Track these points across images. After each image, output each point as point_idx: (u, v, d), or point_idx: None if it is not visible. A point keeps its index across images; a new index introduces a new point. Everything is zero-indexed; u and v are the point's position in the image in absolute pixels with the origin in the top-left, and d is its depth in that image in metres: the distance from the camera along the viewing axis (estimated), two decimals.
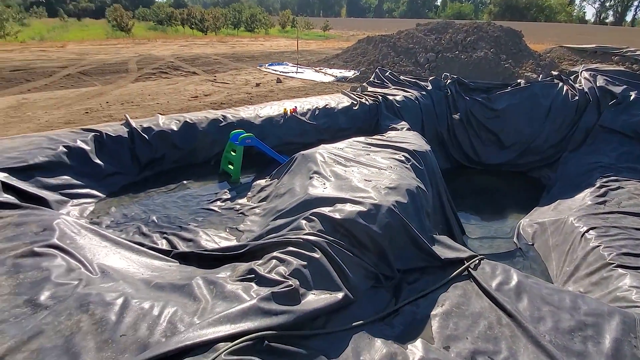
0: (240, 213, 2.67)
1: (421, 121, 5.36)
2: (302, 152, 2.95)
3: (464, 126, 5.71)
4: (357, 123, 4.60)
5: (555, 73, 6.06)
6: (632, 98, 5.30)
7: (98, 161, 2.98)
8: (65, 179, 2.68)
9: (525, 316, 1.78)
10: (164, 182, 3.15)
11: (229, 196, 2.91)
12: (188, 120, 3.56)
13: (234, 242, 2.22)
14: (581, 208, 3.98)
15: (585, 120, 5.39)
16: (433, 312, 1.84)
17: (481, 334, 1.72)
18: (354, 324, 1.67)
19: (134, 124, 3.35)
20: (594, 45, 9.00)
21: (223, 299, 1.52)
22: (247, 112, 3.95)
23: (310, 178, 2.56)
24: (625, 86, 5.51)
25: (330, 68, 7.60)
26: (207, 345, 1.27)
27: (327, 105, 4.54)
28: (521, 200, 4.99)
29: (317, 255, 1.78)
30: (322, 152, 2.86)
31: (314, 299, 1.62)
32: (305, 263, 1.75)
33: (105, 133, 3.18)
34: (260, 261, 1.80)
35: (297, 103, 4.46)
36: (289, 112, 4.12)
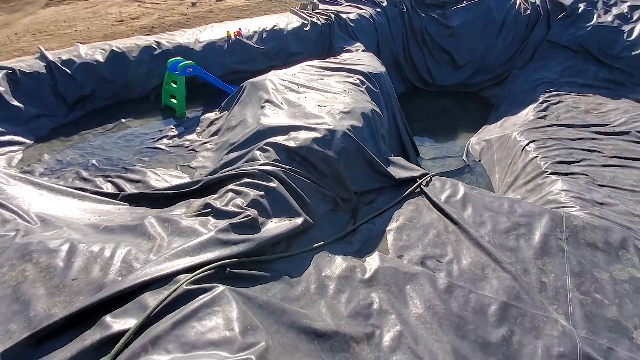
0: (191, 149, 2.53)
1: (376, 42, 5.14)
2: (251, 80, 2.75)
3: (419, 46, 5.57)
4: (308, 46, 4.30)
5: None
6: (580, 10, 5.37)
7: (16, 103, 2.58)
8: None
9: (468, 222, 1.96)
10: (99, 123, 2.85)
11: (175, 133, 2.72)
12: (115, 49, 3.11)
13: (186, 180, 2.13)
14: (524, 123, 4.23)
15: (534, 35, 5.46)
16: (388, 228, 1.96)
17: (430, 242, 1.88)
18: (314, 245, 1.75)
19: (50, 57, 2.86)
20: None
21: (179, 235, 1.49)
22: (184, 37, 3.51)
23: (262, 107, 2.43)
24: None
25: None
26: (167, 279, 1.27)
27: (275, 26, 4.15)
28: (472, 120, 5.19)
29: (274, 184, 1.77)
30: (273, 78, 2.68)
31: (274, 226, 1.64)
32: (263, 193, 1.74)
33: (19, 70, 2.71)
34: (216, 195, 1.76)
35: (241, 25, 4.01)
36: (232, 36, 3.72)
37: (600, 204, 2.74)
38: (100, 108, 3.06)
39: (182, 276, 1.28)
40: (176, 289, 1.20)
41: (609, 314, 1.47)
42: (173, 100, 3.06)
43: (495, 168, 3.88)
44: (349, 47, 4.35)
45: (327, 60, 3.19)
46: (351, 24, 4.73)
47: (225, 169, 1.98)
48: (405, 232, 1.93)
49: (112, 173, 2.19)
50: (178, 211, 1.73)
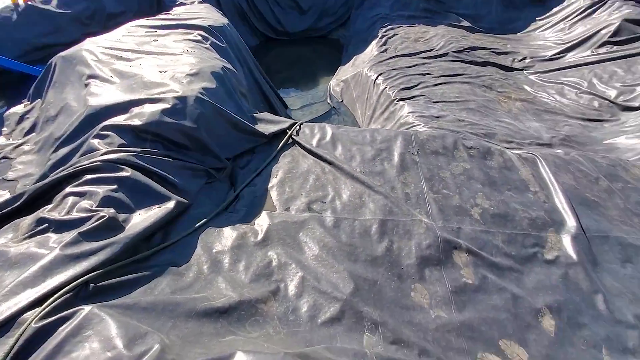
0: (3, 158, 1.94)
1: None
2: (61, 54, 2.19)
3: None
4: (131, 4, 3.62)
5: None
6: None
7: None
8: None
9: (341, 159, 2.09)
10: None
11: None
12: None
13: (5, 196, 1.64)
14: (371, 59, 4.62)
15: None
16: (270, 185, 1.94)
17: (312, 187, 1.95)
18: (196, 225, 1.61)
19: None
20: None
21: (10, 268, 1.16)
22: None
23: (86, 85, 1.98)
24: None
25: None
26: (9, 323, 1.00)
27: None
28: (328, 63, 5.40)
29: (126, 173, 1.50)
30: (91, 47, 2.18)
31: (141, 219, 1.43)
32: (115, 186, 1.47)
33: None
34: (51, 205, 1.41)
35: None
36: (20, 1, 2.84)
37: (437, 117, 3.28)
38: None
39: (28, 314, 1.02)
40: (23, 331, 0.95)
41: (454, 202, 1.82)
42: None
43: (356, 105, 4.21)
44: (181, 0, 3.84)
45: (157, 17, 2.75)
46: None
47: (57, 171, 1.59)
48: (287, 185, 1.95)
49: None
50: (3, 239, 1.34)
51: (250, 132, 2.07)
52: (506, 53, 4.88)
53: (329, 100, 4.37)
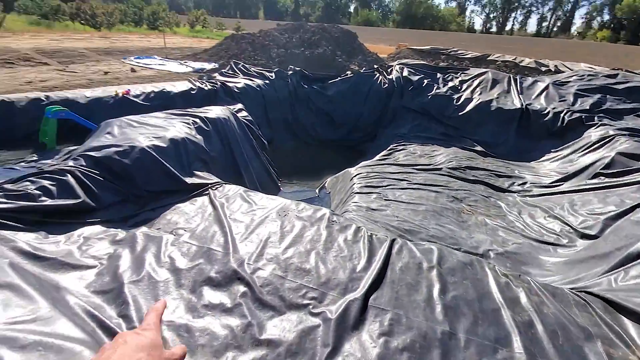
0: (39, 169, 3.17)
1: (263, 106, 6.31)
2: (106, 121, 3.56)
3: (304, 110, 6.84)
4: (193, 105, 5.29)
5: (375, 66, 7.56)
6: (424, 84, 6.98)
7: None
8: None
9: (222, 206, 2.68)
10: None
11: (35, 158, 3.38)
12: (5, 99, 3.88)
13: None
14: (366, 164, 5.28)
15: (393, 102, 6.93)
16: (164, 213, 2.63)
17: (189, 219, 2.55)
18: (90, 220, 2.38)
19: None
20: (428, 47, 11.12)
21: None
22: (73, 93, 4.38)
23: (104, 135, 3.20)
24: (422, 75, 7.20)
25: (195, 62, 8.22)
26: None
27: (164, 89, 5.16)
28: (345, 166, 6.23)
29: (64, 177, 2.45)
30: (123, 118, 3.51)
31: (51, 202, 2.28)
32: (55, 183, 2.40)
33: None
34: (10, 185, 2.40)
35: (134, 87, 4.99)
36: (120, 94, 4.65)
37: (373, 209, 3.60)
38: None
39: None
40: None
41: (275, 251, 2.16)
42: (47, 138, 3.78)
43: (336, 195, 4.75)
44: (228, 107, 5.41)
45: (182, 110, 4.12)
46: (236, 90, 5.89)
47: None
48: (175, 215, 2.61)
49: None
50: None
51: (175, 178, 2.89)
52: (508, 177, 4.95)
53: (317, 190, 5.02)
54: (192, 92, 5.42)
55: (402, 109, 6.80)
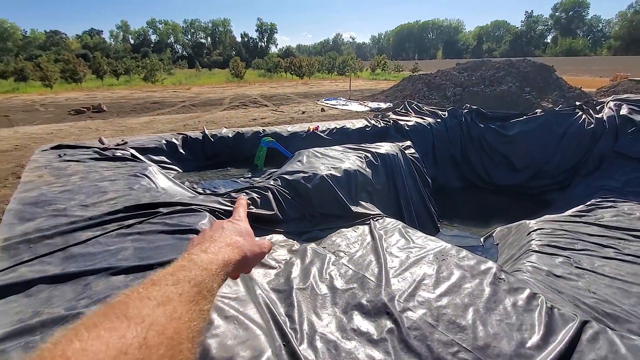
0: (250, 183, 4.19)
1: (432, 143, 6.26)
2: (299, 151, 4.39)
3: (476, 150, 6.34)
4: (367, 140, 5.81)
5: (578, 103, 6.27)
6: None
7: (181, 151, 4.92)
8: (161, 158, 4.63)
9: (381, 238, 2.79)
10: (217, 167, 4.93)
11: (249, 176, 4.49)
12: (239, 131, 5.36)
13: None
14: (553, 219, 4.37)
15: (600, 147, 5.52)
16: (331, 235, 2.97)
17: (350, 243, 2.79)
18: (276, 229, 2.97)
19: (206, 132, 5.28)
20: None
21: None
22: (280, 128, 5.60)
23: (296, 163, 3.97)
24: None
25: (372, 102, 8.95)
26: None
27: (344, 125, 5.91)
28: (521, 217, 5.34)
29: (266, 193, 3.16)
30: (310, 150, 4.25)
31: (257, 210, 2.98)
32: (260, 197, 3.14)
33: (189, 136, 5.16)
34: (241, 194, 3.26)
35: (322, 124, 5.94)
36: (311, 129, 5.63)
37: (558, 276, 2.96)
38: (223, 161, 5.20)
39: None
40: None
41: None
42: (259, 161, 4.96)
43: (505, 248, 4.10)
44: (398, 143, 5.66)
45: (356, 144, 4.61)
46: (407, 128, 6.07)
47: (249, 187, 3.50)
48: (338, 238, 2.91)
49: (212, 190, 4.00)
50: None
51: (342, 204, 3.25)
52: None
53: (482, 239, 4.47)
54: (367, 129, 5.97)
55: (615, 155, 5.36)
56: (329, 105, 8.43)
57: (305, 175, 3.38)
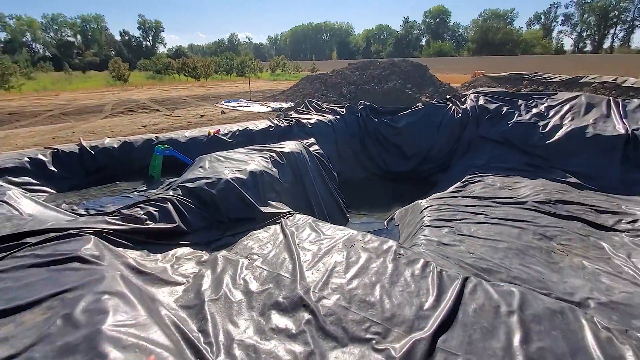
0: (146, 196, 3.78)
1: (334, 139, 6.59)
2: (200, 156, 4.12)
3: (373, 142, 6.93)
4: (271, 141, 5.79)
5: (448, 97, 7.38)
6: (503, 112, 6.56)
7: (52, 168, 4.15)
8: (25, 179, 3.83)
9: (293, 234, 2.83)
10: (102, 183, 4.30)
11: (144, 189, 4.04)
12: (127, 140, 4.77)
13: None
14: (437, 196, 5.05)
15: (467, 132, 6.61)
16: (242, 239, 2.88)
17: (262, 245, 2.75)
18: (181, 242, 2.74)
19: (84, 144, 4.55)
20: (508, 73, 10.50)
21: None
22: (176, 134, 5.18)
23: (197, 169, 3.70)
24: (500, 103, 6.79)
25: (274, 102, 9.01)
26: None
27: (247, 127, 5.78)
28: (415, 198, 6.04)
29: (165, 205, 2.88)
30: (212, 154, 4.03)
31: (155, 225, 2.70)
32: (158, 209, 2.85)
33: (61, 150, 4.38)
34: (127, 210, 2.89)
35: (223, 127, 5.70)
36: (212, 133, 5.34)
37: (445, 244, 3.42)
38: (109, 175, 4.55)
39: None
40: None
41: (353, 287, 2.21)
42: (154, 171, 4.50)
43: (404, 227, 4.60)
44: (302, 141, 5.79)
45: (261, 146, 4.55)
46: (309, 126, 6.27)
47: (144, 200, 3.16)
48: (251, 241, 2.84)
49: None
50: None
51: (251, 207, 3.18)
52: (613, 213, 4.33)
53: (385, 222, 4.94)
54: (271, 129, 5.96)
55: (478, 138, 6.45)
56: (229, 107, 8.15)
57: (209, 180, 3.19)
